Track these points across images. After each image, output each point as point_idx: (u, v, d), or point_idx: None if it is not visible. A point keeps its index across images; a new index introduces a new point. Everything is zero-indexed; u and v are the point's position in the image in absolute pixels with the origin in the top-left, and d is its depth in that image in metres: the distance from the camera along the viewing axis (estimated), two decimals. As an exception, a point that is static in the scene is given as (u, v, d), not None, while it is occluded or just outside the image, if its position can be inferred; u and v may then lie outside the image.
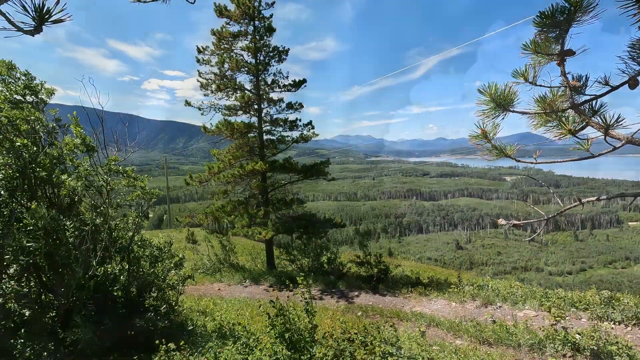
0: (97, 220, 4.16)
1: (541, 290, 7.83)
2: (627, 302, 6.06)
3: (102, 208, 4.30)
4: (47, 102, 4.69)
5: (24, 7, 0.77)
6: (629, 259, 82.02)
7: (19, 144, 3.77)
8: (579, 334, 4.66)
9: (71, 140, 4.27)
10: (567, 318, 5.10)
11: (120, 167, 4.54)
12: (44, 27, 0.82)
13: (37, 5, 0.78)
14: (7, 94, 4.32)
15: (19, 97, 4.42)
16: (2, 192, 3.74)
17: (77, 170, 4.29)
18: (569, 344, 4.61)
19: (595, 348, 4.39)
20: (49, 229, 3.42)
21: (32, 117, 4.14)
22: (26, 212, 3.42)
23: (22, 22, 0.80)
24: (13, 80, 4.41)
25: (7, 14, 0.77)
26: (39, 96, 4.58)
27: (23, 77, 4.49)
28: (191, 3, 1.70)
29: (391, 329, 3.53)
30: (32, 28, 0.82)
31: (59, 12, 0.81)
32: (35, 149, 3.98)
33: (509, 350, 4.92)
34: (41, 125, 4.32)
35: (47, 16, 0.80)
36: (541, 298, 7.03)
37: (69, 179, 4.15)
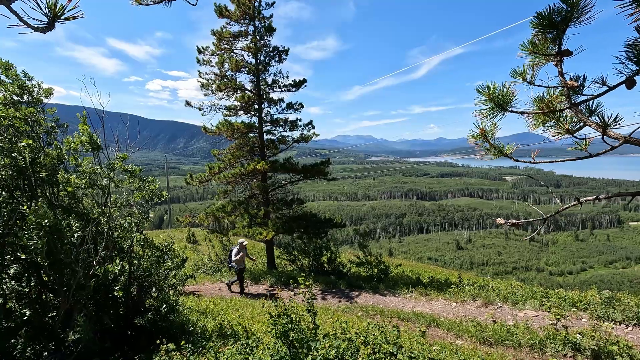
0: (102, 220, 4.16)
1: (542, 290, 7.84)
2: (628, 302, 6.06)
3: (103, 208, 4.31)
4: (45, 102, 4.67)
5: (37, 4, 0.77)
6: (630, 259, 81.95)
7: (23, 144, 3.77)
8: (579, 333, 4.65)
9: (78, 136, 4.26)
10: (567, 318, 5.09)
11: (130, 166, 4.53)
12: (56, 24, 0.83)
13: (50, 2, 0.78)
14: (6, 94, 4.31)
15: (16, 98, 4.41)
16: (3, 193, 3.74)
17: (79, 169, 4.29)
18: (570, 344, 4.61)
19: (596, 348, 4.39)
20: (52, 228, 3.43)
21: (31, 117, 4.14)
22: (28, 211, 3.42)
23: (34, 19, 0.80)
24: (10, 81, 4.38)
25: (19, 11, 0.78)
26: (36, 96, 4.56)
27: (22, 77, 4.47)
28: (193, 5, 1.71)
29: (392, 329, 3.53)
30: (44, 25, 0.82)
31: (71, 9, 0.81)
32: (34, 147, 3.98)
33: (509, 350, 4.92)
34: (39, 125, 4.32)
35: (59, 13, 0.81)
36: (542, 298, 7.03)
37: (74, 177, 4.15)
